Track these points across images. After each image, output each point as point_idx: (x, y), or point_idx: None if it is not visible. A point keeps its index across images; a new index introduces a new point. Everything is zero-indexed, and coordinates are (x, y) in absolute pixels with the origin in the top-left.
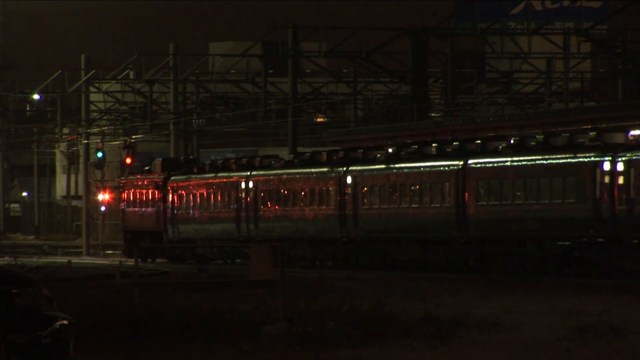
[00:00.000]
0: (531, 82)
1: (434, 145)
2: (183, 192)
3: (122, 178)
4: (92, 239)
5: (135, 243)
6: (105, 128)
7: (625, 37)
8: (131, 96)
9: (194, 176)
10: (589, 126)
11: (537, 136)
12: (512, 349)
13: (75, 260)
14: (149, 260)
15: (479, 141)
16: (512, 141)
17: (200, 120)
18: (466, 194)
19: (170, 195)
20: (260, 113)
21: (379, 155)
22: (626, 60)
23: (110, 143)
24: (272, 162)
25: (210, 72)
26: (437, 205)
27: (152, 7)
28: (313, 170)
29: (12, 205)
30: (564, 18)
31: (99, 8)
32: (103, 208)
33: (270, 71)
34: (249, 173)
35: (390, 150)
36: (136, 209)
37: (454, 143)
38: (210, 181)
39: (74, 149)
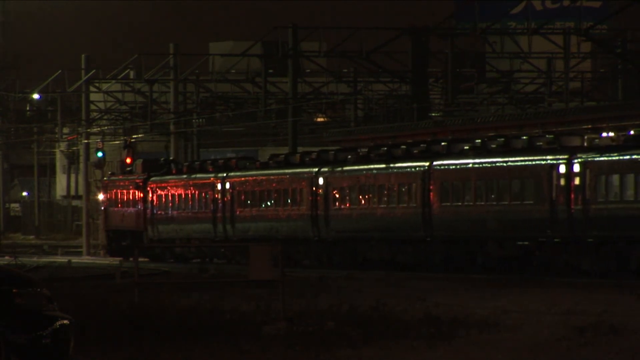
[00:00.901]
0: (531, 82)
1: (402, 147)
2: (162, 192)
3: (105, 178)
4: (92, 238)
5: (118, 242)
6: (106, 128)
7: (625, 37)
8: (131, 96)
9: (172, 177)
10: (589, 126)
11: (498, 139)
12: (512, 349)
13: (75, 260)
14: (130, 259)
15: (444, 143)
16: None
17: (201, 120)
18: (431, 194)
19: (150, 196)
20: (260, 113)
21: (349, 157)
22: (626, 60)
23: (111, 143)
24: (248, 163)
25: (210, 72)
26: (404, 205)
27: (152, 7)
28: (287, 171)
29: (12, 205)
30: (564, 18)
31: (99, 8)
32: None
33: (270, 71)
34: (225, 174)
35: (360, 152)
36: (118, 208)
37: (421, 145)
38: (187, 182)
39: (74, 148)
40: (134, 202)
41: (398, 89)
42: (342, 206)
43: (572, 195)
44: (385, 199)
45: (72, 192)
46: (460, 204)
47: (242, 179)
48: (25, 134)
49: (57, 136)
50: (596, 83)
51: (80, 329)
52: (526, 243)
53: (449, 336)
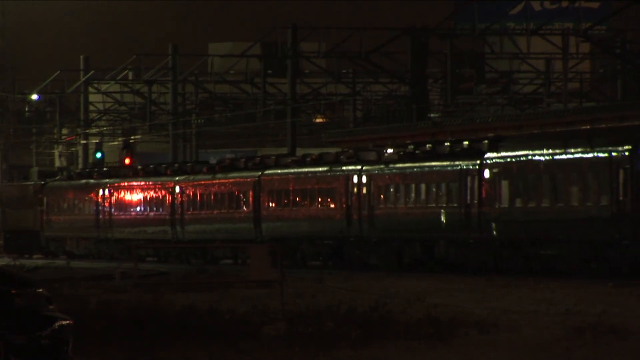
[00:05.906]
0: (530, 82)
1: (242, 159)
2: (55, 196)
3: (1, 185)
4: None
5: (15, 241)
6: (104, 128)
7: (624, 38)
8: (130, 97)
9: (65, 183)
10: (588, 126)
11: (312, 152)
12: (512, 349)
13: (74, 259)
14: (26, 256)
15: (273, 156)
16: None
17: (200, 120)
18: (261, 200)
19: (45, 199)
20: (259, 114)
21: (203, 169)
22: (625, 61)
23: (109, 143)
24: (126, 171)
25: (210, 72)
26: (241, 210)
27: (151, 7)
28: (153, 179)
29: None
30: (563, 18)
31: (99, 8)
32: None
33: (269, 71)
34: (106, 180)
35: (212, 164)
36: (16, 211)
37: (256, 158)
38: (76, 188)
39: (73, 149)
40: (32, 205)
41: (397, 89)
42: (195, 212)
43: (362, 202)
44: (227, 204)
45: None
46: (282, 208)
47: (117, 185)
48: (24, 134)
49: (56, 137)
50: (595, 84)
51: (80, 329)
52: (331, 242)
53: (448, 336)
